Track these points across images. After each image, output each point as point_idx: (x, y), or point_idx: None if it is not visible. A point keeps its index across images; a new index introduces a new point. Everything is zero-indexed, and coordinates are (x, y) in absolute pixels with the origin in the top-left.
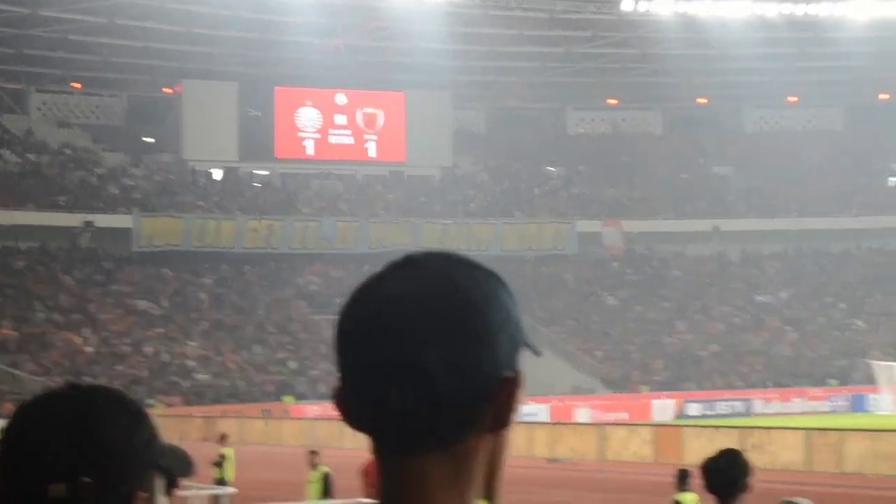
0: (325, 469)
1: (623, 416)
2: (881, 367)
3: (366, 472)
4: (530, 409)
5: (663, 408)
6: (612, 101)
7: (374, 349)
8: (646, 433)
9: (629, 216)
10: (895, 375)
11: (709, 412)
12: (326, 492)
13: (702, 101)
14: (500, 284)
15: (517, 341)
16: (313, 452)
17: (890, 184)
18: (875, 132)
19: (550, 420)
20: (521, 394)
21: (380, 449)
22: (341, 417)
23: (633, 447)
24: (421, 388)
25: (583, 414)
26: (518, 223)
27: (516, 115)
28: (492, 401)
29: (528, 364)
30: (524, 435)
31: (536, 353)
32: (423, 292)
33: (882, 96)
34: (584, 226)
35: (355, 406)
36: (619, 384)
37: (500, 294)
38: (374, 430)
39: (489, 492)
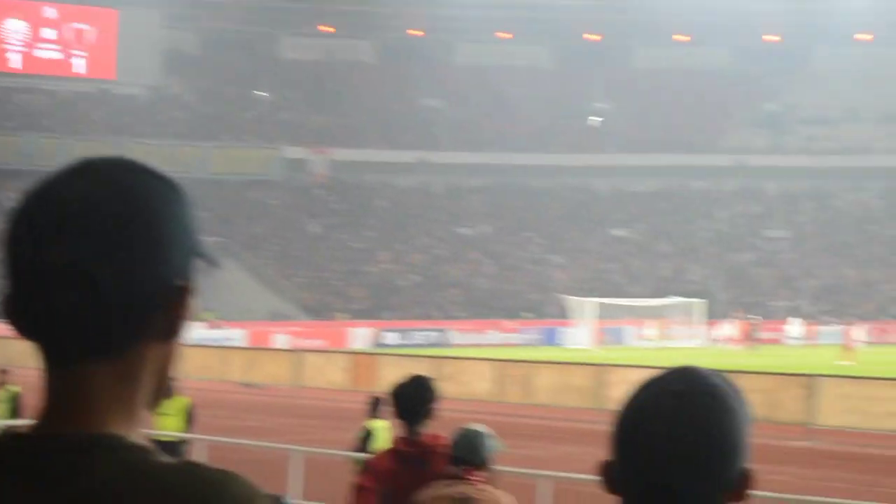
0: (13, 389)
1: (321, 343)
2: (574, 301)
3: None
4: (227, 334)
5: (361, 336)
6: (326, 29)
7: (43, 253)
8: (342, 360)
9: (337, 144)
10: (587, 310)
11: (406, 341)
12: (14, 412)
13: (415, 32)
14: (176, 193)
15: (192, 251)
16: (2, 371)
17: (590, 123)
18: (580, 72)
19: (247, 345)
20: (193, 303)
21: (47, 359)
22: (10, 326)
23: (329, 374)
24: (88, 293)
25: (280, 340)
26: (225, 147)
27: (229, 38)
28: (162, 309)
29: (226, 290)
30: (219, 359)
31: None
32: (96, 196)
33: (589, 37)
34: (291, 152)
35: (23, 313)
36: (318, 311)
37: (176, 203)
38: (41, 338)
39: (155, 401)
